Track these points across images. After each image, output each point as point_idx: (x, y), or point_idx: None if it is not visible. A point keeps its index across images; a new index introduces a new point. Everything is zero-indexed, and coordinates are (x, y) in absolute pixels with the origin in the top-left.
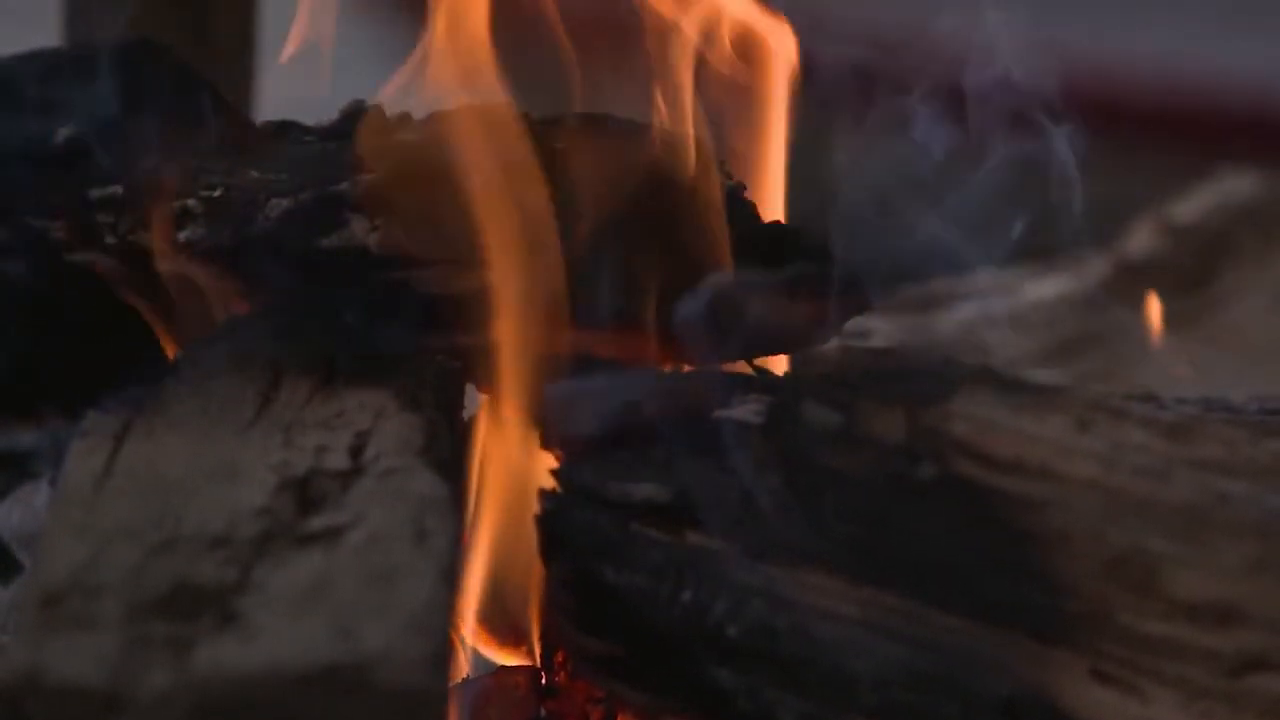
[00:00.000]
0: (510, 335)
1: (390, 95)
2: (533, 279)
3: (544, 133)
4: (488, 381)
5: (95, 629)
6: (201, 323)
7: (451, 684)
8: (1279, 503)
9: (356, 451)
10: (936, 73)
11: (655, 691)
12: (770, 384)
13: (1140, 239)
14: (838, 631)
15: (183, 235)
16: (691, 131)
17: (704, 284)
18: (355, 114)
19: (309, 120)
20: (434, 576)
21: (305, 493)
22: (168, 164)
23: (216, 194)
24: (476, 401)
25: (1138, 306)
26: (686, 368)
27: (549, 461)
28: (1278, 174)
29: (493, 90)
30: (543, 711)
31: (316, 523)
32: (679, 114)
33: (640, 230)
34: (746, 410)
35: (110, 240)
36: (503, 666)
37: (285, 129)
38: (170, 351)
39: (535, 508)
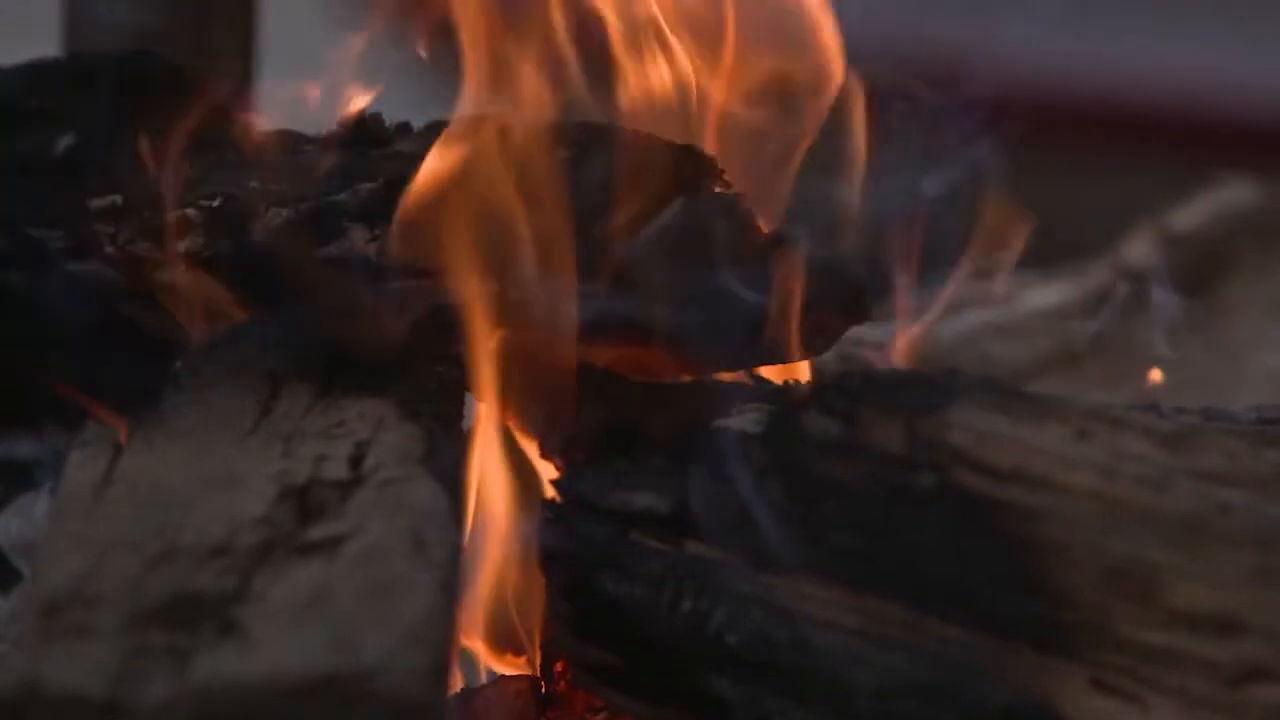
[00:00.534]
0: (510, 345)
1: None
2: (533, 289)
3: (548, 140)
4: (487, 391)
5: (95, 638)
6: (201, 332)
7: (450, 694)
8: (1278, 513)
9: (356, 461)
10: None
11: (655, 701)
12: (770, 393)
13: (1139, 247)
14: (837, 641)
15: (182, 245)
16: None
17: (706, 291)
18: (354, 123)
19: (307, 129)
20: (434, 587)
21: (305, 503)
22: (167, 174)
23: (216, 204)
24: (475, 411)
25: (1138, 316)
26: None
27: (549, 472)
28: (1276, 182)
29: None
30: None
31: (316, 533)
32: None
33: (646, 238)
34: (746, 420)
35: (109, 250)
36: (502, 676)
37: (285, 138)
38: (170, 361)
39: (535, 518)
